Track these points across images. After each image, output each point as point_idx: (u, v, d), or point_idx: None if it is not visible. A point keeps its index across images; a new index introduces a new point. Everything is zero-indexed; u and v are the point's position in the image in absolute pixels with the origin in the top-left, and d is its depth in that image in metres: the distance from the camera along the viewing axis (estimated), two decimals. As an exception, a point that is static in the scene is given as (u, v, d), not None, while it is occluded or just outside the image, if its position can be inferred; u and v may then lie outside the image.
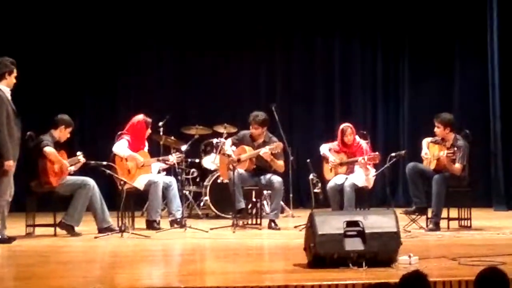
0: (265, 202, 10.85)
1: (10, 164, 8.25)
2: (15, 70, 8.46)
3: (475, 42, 13.04)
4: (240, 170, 9.78)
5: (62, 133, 9.36)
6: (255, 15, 13.18)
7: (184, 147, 10.80)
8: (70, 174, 9.31)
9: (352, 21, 13.45)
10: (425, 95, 13.07)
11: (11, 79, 8.45)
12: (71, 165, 9.31)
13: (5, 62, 8.44)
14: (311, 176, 9.79)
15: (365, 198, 9.84)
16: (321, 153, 10.07)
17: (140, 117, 9.90)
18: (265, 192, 10.50)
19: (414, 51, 13.39)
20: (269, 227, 9.73)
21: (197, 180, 11.65)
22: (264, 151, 9.67)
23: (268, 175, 9.84)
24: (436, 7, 13.12)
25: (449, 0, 13.09)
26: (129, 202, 9.43)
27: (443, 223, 9.46)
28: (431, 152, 9.57)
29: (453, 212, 9.71)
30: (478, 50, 12.98)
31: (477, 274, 4.28)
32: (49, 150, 9.07)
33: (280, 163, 9.87)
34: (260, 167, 9.91)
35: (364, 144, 9.91)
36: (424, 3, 13.19)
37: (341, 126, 10.02)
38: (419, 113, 12.76)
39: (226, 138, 10.71)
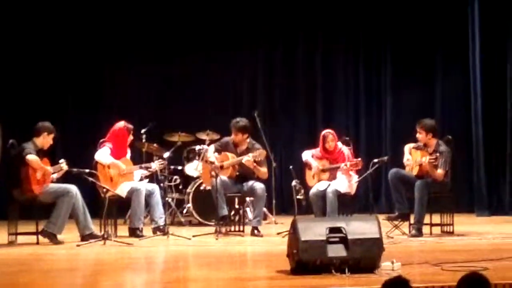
0: (248, 209, 10.83)
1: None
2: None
3: (457, 50, 13.09)
4: (223, 177, 9.76)
5: (45, 140, 9.30)
6: (237, 25, 13.16)
7: (166, 154, 10.74)
8: (52, 182, 9.27)
9: (334, 29, 13.45)
10: (407, 101, 13.09)
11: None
12: (53, 173, 9.26)
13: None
14: (293, 183, 9.80)
15: (348, 204, 9.85)
16: (304, 159, 10.09)
17: (121, 124, 9.83)
18: (247, 199, 10.48)
19: (396, 59, 13.41)
20: (252, 234, 9.71)
21: (180, 187, 11.62)
22: (247, 159, 9.65)
23: (251, 182, 9.84)
24: (418, 15, 13.16)
25: (431, 8, 13.12)
26: (111, 209, 9.41)
27: (425, 229, 9.48)
28: (414, 158, 9.59)
29: (436, 218, 9.74)
30: (460, 57, 13.04)
31: (459, 280, 4.29)
32: (31, 157, 9.02)
33: (263, 170, 9.86)
34: (243, 174, 9.90)
35: (346, 150, 9.92)
36: (406, 12, 13.21)
37: (323, 133, 10.02)
38: (401, 119, 12.79)
39: (208, 145, 10.69)
